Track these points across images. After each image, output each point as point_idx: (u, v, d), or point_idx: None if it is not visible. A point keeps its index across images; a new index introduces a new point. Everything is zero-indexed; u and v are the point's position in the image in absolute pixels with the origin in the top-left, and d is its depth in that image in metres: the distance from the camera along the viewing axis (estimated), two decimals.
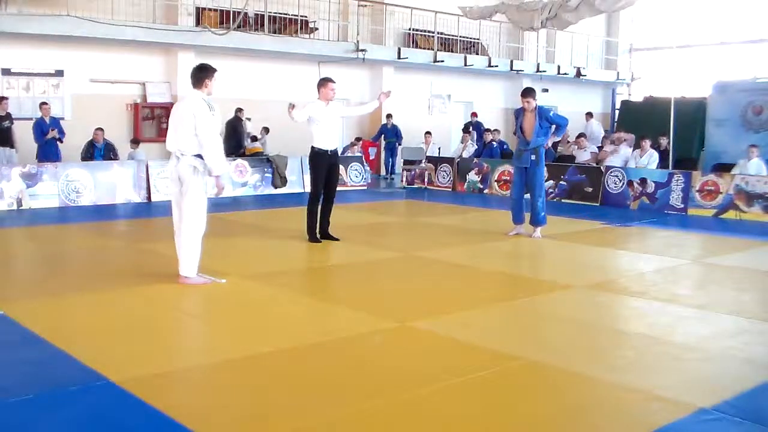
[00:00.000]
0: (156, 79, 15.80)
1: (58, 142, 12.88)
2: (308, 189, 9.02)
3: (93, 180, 12.06)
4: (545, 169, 9.42)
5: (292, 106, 8.04)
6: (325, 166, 8.27)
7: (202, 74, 6.10)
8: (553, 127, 8.98)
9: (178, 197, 6.30)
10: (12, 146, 12.69)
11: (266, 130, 15.96)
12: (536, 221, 9.03)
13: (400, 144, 17.68)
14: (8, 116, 12.71)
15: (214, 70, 6.17)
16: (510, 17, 17.04)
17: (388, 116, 17.97)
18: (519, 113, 9.17)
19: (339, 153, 8.65)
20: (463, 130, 18.54)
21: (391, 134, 17.74)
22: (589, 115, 19.82)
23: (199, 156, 6.04)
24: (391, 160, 17.91)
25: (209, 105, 6.03)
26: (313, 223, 8.44)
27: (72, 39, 13.91)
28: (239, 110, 15.69)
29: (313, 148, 8.29)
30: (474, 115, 19.09)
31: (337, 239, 8.46)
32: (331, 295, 6.44)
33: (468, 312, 5.57)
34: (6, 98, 12.80)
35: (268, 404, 3.77)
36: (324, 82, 8.33)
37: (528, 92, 9.10)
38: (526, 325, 5.42)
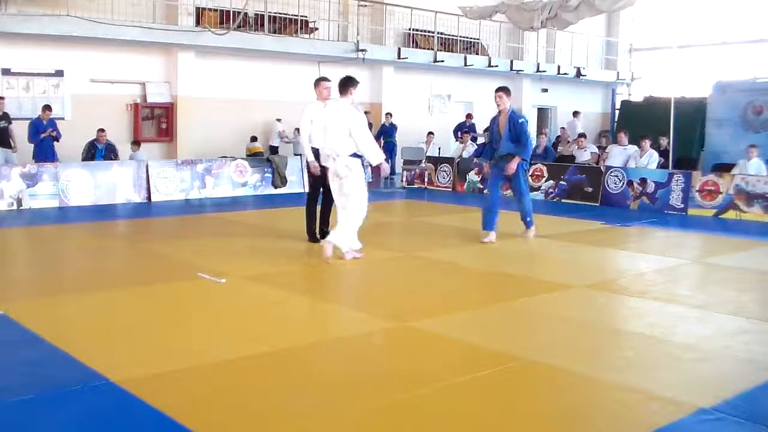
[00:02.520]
0: (156, 79, 15.80)
1: (54, 141, 12.87)
2: (308, 189, 9.02)
3: (93, 180, 12.07)
4: (528, 170, 8.88)
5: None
6: (315, 170, 8.28)
7: (348, 84, 7.30)
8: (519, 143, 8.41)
9: (337, 188, 7.47)
10: (10, 146, 12.68)
11: (298, 130, 15.90)
12: (526, 223, 8.93)
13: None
14: (5, 116, 12.70)
15: (357, 82, 7.43)
16: (510, 17, 17.02)
17: (388, 115, 17.94)
18: (494, 120, 8.71)
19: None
20: (453, 131, 18.57)
21: (390, 133, 17.70)
22: (576, 114, 20.13)
23: (354, 155, 7.21)
24: (390, 160, 17.83)
25: (355, 106, 7.31)
26: (312, 223, 8.45)
27: (72, 39, 13.91)
28: (389, 115, 17.72)
29: (312, 148, 8.28)
30: (469, 116, 19.02)
31: None
32: (330, 295, 6.44)
33: (468, 312, 5.57)
34: (2, 98, 12.79)
35: (268, 404, 3.77)
36: (317, 81, 8.35)
37: (502, 88, 8.63)
38: (526, 325, 5.42)
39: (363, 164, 7.79)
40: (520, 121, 8.45)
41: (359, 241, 7.50)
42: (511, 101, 8.71)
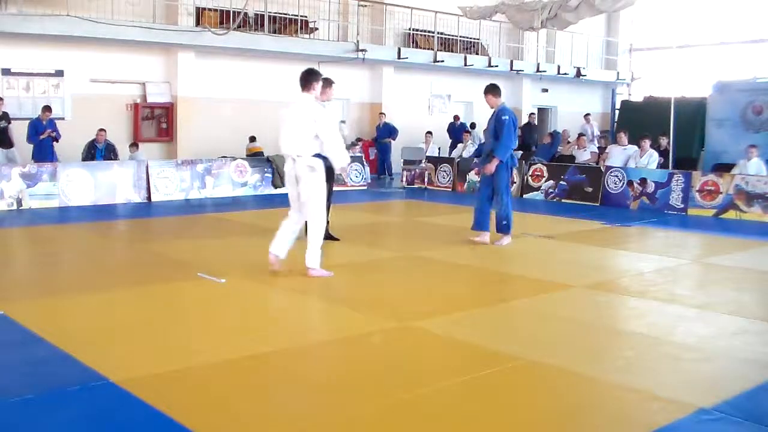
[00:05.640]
0: (156, 79, 15.81)
1: (54, 142, 12.86)
2: None
3: (93, 180, 12.07)
4: (512, 172, 8.50)
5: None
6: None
7: (310, 78, 6.54)
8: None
9: (295, 196, 6.63)
10: (10, 146, 12.67)
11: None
12: (498, 228, 8.42)
13: (394, 139, 17.58)
14: (5, 116, 12.69)
15: (320, 74, 6.69)
16: (510, 17, 17.03)
17: (381, 114, 17.94)
18: (490, 119, 8.50)
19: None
20: (447, 131, 18.60)
21: (383, 133, 17.68)
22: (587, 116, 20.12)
23: (317, 155, 6.41)
24: (385, 160, 17.76)
25: (321, 104, 6.59)
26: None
27: (72, 39, 13.92)
28: (532, 115, 19.04)
29: None
30: (456, 118, 18.99)
31: (337, 239, 8.48)
32: (331, 295, 6.43)
33: (468, 312, 5.57)
34: (1, 98, 12.78)
35: (269, 404, 3.77)
36: (329, 83, 8.35)
37: (487, 89, 8.40)
38: (526, 325, 5.42)
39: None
40: (502, 117, 8.08)
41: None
42: (504, 99, 8.52)
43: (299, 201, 6.59)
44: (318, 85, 6.59)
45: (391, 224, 10.77)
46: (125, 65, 15.26)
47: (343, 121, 17.57)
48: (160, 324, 5.25)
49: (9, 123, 12.72)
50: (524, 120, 18.98)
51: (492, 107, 8.35)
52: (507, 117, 8.10)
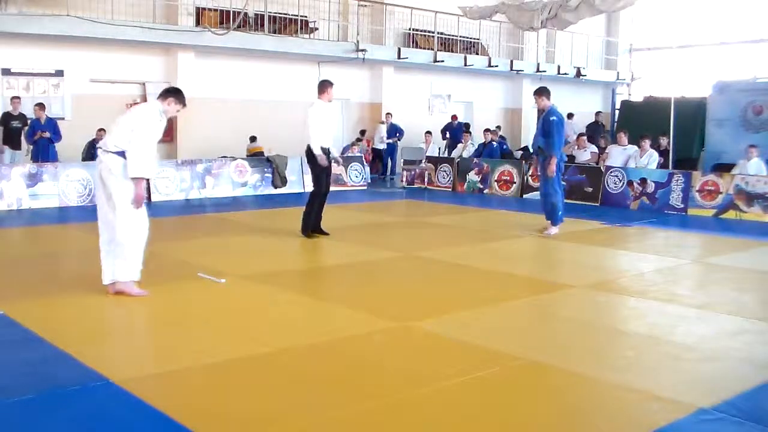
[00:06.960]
0: (156, 79, 15.79)
1: (50, 143, 12.77)
2: (308, 189, 9.11)
3: (93, 180, 12.06)
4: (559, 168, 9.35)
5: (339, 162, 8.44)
6: (325, 163, 8.46)
7: (176, 94, 5.92)
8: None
9: (101, 201, 5.94)
10: (20, 148, 12.63)
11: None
12: (550, 217, 9.27)
13: (400, 139, 17.63)
14: (21, 117, 12.64)
15: (183, 97, 5.99)
16: (510, 17, 17.01)
17: (388, 115, 17.93)
18: (538, 117, 9.34)
19: (339, 152, 8.88)
20: (441, 132, 18.58)
21: (389, 134, 17.67)
22: (570, 116, 20.20)
23: (120, 154, 5.63)
24: (390, 160, 17.79)
25: (161, 113, 5.85)
26: (310, 220, 8.62)
27: (72, 39, 13.91)
28: (600, 113, 19.28)
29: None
30: (454, 117, 18.98)
31: (327, 233, 8.68)
32: (330, 295, 6.44)
33: (468, 312, 5.57)
34: (18, 98, 12.74)
35: (268, 404, 3.77)
36: (330, 84, 8.66)
37: (538, 90, 9.21)
38: (526, 325, 5.42)
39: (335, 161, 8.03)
40: (551, 118, 8.82)
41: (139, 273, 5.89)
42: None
43: (109, 207, 5.85)
44: (175, 105, 5.86)
45: (391, 224, 10.76)
46: (125, 65, 15.26)
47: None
48: (160, 324, 5.25)
49: (25, 125, 12.65)
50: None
51: (541, 108, 9.07)
52: (556, 118, 8.87)
